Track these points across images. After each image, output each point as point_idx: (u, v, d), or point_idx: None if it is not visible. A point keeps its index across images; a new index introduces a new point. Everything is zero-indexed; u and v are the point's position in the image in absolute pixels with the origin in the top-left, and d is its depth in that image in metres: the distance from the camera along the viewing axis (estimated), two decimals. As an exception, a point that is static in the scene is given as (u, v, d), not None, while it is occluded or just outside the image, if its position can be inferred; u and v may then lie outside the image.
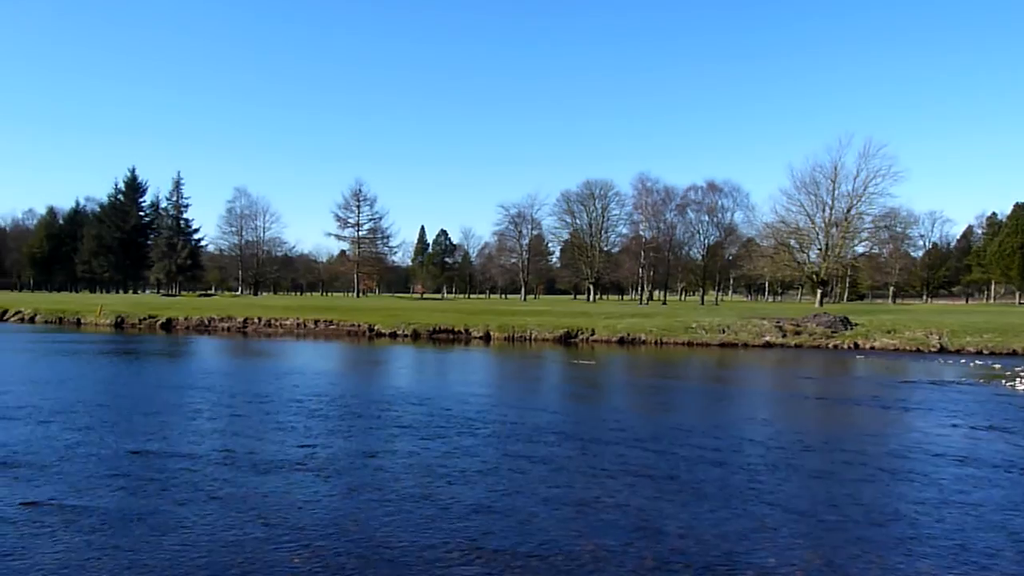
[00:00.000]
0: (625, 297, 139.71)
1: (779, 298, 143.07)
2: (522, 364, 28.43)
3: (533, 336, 38.76)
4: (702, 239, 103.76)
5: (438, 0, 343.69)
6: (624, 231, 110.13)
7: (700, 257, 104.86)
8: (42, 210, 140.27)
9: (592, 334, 38.57)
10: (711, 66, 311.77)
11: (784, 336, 37.35)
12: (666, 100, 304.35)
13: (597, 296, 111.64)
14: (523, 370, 26.60)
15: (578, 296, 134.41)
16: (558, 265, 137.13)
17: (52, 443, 11.90)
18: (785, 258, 79.19)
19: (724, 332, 37.82)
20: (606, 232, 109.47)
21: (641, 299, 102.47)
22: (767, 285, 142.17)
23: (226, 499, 8.97)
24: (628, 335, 37.95)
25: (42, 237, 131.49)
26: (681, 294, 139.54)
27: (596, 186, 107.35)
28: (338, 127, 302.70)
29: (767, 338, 36.95)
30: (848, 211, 74.84)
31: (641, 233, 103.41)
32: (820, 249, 76.51)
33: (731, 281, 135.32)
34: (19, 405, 15.62)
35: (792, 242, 79.66)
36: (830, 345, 36.15)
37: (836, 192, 75.03)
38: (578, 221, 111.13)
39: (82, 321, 48.37)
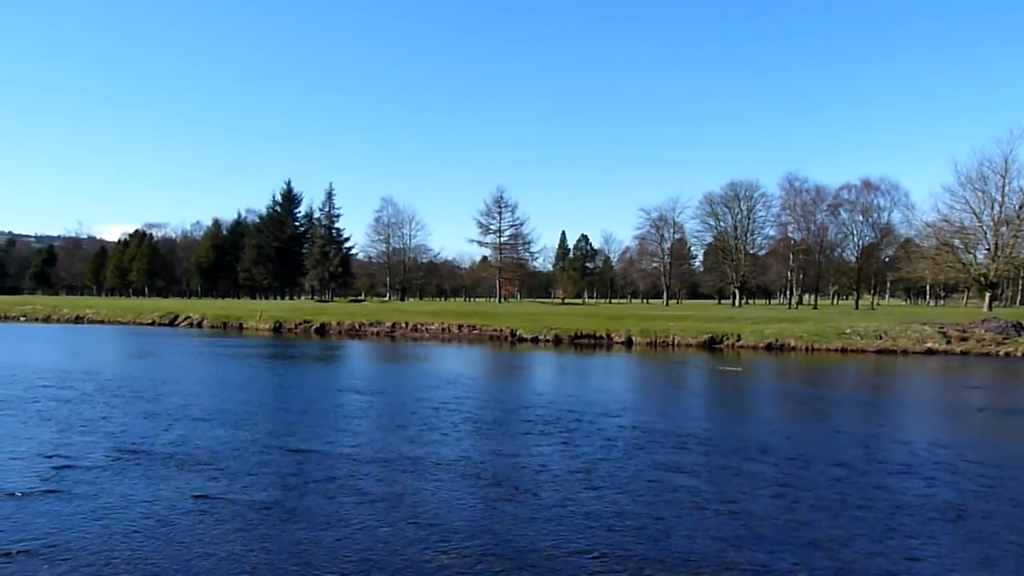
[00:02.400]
0: (772, 301, 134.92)
1: (942, 302, 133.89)
2: (665, 370, 28.00)
3: (676, 341, 38.09)
4: (856, 240, 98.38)
5: (578, 4, 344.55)
6: (771, 233, 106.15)
7: (854, 259, 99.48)
8: (208, 222, 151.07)
9: (738, 339, 37.50)
10: (863, 63, 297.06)
11: (948, 343, 34.99)
12: (815, 98, 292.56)
13: (743, 301, 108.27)
14: (666, 376, 26.19)
15: (722, 301, 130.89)
16: (701, 269, 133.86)
17: (220, 441, 12.74)
18: (949, 259, 74.01)
19: (881, 338, 35.84)
20: (752, 234, 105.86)
21: (790, 303, 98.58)
22: (928, 288, 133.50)
23: (380, 498, 9.31)
24: (776, 341, 36.64)
25: (208, 247, 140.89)
26: (833, 298, 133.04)
27: (741, 187, 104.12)
28: (480, 135, 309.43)
29: (929, 344, 34.74)
30: (1020, 208, 69.16)
31: (789, 235, 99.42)
32: (988, 249, 71.01)
33: (888, 284, 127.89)
34: (190, 406, 16.83)
35: (956, 242, 74.33)
36: (1001, 352, 33.58)
37: (1007, 188, 69.45)
38: (722, 223, 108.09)
39: (244, 326, 51.54)
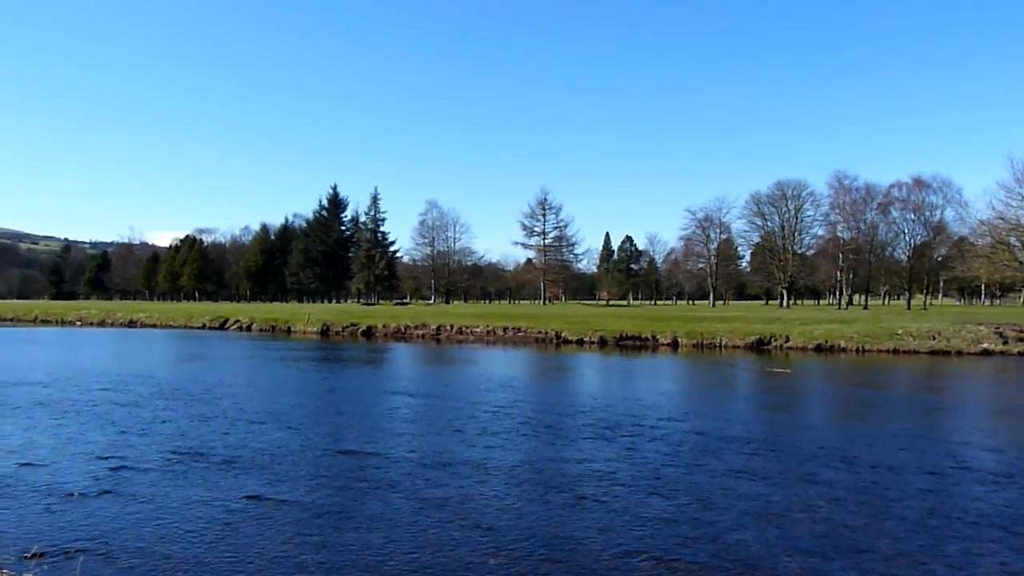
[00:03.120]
0: (821, 302, 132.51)
1: (998, 302, 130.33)
2: (713, 372, 27.70)
3: (723, 343, 37.65)
4: (907, 239, 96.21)
5: (620, 12, 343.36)
6: (820, 232, 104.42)
7: (905, 258, 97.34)
8: (257, 227, 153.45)
9: (786, 341, 36.94)
10: (914, 58, 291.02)
11: (1006, 343, 34.04)
12: (865, 95, 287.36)
13: (791, 301, 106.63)
14: (714, 378, 25.90)
15: (770, 301, 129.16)
16: (748, 270, 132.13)
17: (272, 444, 12.92)
18: (1005, 258, 71.85)
19: (935, 339, 34.99)
20: (800, 234, 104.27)
21: (839, 304, 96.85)
22: (983, 288, 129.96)
23: (431, 501, 9.34)
24: (826, 342, 36.01)
25: (256, 252, 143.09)
26: (884, 298, 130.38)
27: (788, 186, 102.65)
28: (524, 137, 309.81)
29: (985, 345, 33.83)
30: (1080, 204, 66.96)
31: (839, 234, 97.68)
32: (1046, 247, 68.98)
33: (941, 284, 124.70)
34: (242, 409, 17.10)
35: (1013, 240, 72.22)
36: (1062, 353, 32.56)
37: (1065, 184, 67.31)
38: (769, 223, 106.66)
39: (292, 329, 52.23)
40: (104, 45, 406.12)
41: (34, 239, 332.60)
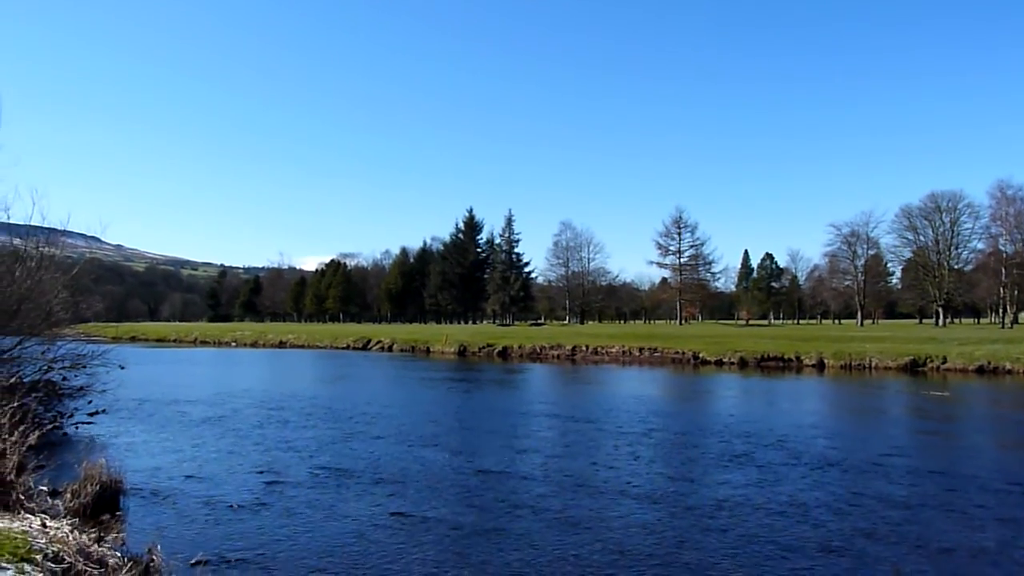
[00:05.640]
0: (982, 320, 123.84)
1: None
2: (863, 394, 26.34)
3: (873, 364, 35.75)
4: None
5: (748, 16, 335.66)
6: (979, 246, 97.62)
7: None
8: (396, 251, 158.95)
9: (943, 362, 34.66)
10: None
11: None
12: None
13: (947, 320, 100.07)
14: (865, 401, 24.62)
15: (924, 320, 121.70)
16: (899, 286, 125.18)
17: (414, 461, 13.28)
18: None
19: (1117, 360, 31.95)
20: (956, 248, 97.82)
21: (1003, 323, 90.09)
22: None
23: (568, 521, 9.32)
24: (989, 363, 33.49)
25: (396, 274, 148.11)
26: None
27: (943, 198, 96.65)
28: (659, 154, 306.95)
29: None
30: None
31: (1001, 248, 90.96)
32: None
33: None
34: (385, 427, 17.70)
35: None
36: None
37: None
38: (922, 238, 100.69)
39: (431, 349, 53.59)
40: (265, 81, 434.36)
41: (194, 265, 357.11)
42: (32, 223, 16.32)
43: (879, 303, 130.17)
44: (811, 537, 8.64)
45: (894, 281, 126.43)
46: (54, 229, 17.55)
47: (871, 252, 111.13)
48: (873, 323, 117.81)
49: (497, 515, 9.63)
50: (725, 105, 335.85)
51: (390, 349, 56.74)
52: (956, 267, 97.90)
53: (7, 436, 8.55)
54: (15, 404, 10.58)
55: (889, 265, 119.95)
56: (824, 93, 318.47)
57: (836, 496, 10.60)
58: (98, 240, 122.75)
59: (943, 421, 19.40)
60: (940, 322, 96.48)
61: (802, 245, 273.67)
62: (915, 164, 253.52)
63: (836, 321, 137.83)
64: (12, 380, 13.82)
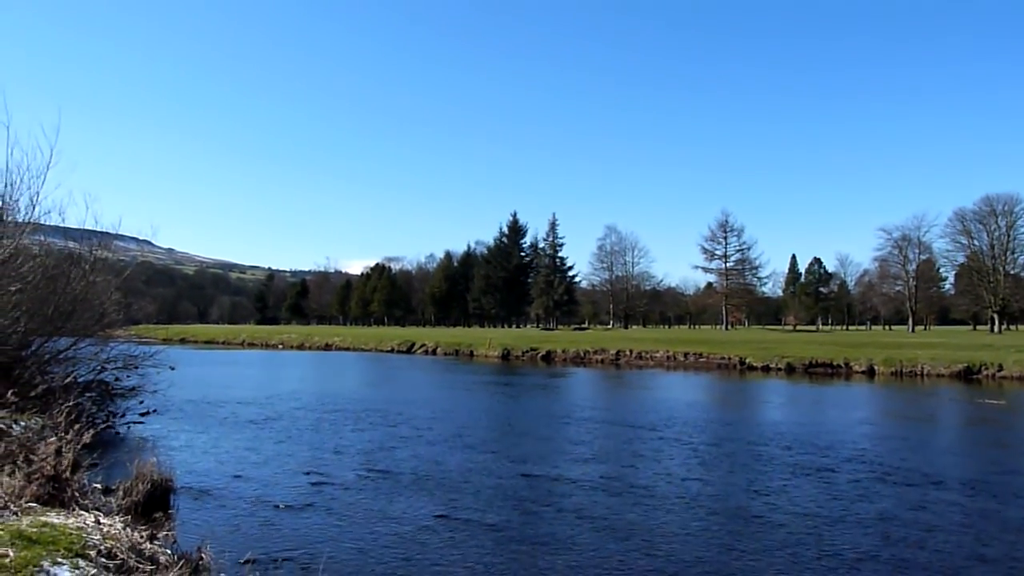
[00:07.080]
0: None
1: None
2: (914, 401, 25.76)
3: (925, 371, 34.95)
4: None
5: (802, 25, 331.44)
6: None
7: None
8: (441, 255, 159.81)
9: (999, 369, 33.75)
10: None
11: None
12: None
13: (1003, 326, 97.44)
14: (915, 408, 24.06)
15: (978, 327, 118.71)
16: (952, 292, 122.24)
17: (456, 464, 13.33)
18: None
19: None
20: (1013, 253, 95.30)
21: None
22: None
23: (613, 526, 9.26)
24: (1048, 371, 32.53)
25: (441, 278, 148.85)
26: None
27: (998, 201, 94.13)
28: (704, 157, 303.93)
29: None
30: None
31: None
32: None
33: None
34: (430, 430, 17.77)
35: None
36: None
37: None
38: (976, 242, 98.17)
39: (474, 353, 53.74)
40: (309, 99, 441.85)
41: (242, 268, 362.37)
42: (86, 227, 16.73)
43: (931, 309, 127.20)
44: (860, 544, 8.44)
45: (947, 286, 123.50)
46: (107, 233, 17.95)
47: (923, 257, 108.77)
48: (925, 329, 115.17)
49: (542, 519, 9.61)
50: (773, 110, 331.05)
51: (434, 352, 57.04)
52: (1012, 272, 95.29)
53: (63, 434, 8.77)
54: (70, 403, 10.88)
55: (942, 270, 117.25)
56: (875, 95, 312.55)
57: (883, 504, 10.37)
58: (149, 243, 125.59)
59: (999, 429, 18.90)
60: (995, 328, 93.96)
61: (851, 250, 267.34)
62: (968, 167, 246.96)
63: (887, 327, 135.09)
64: (67, 380, 14.22)
